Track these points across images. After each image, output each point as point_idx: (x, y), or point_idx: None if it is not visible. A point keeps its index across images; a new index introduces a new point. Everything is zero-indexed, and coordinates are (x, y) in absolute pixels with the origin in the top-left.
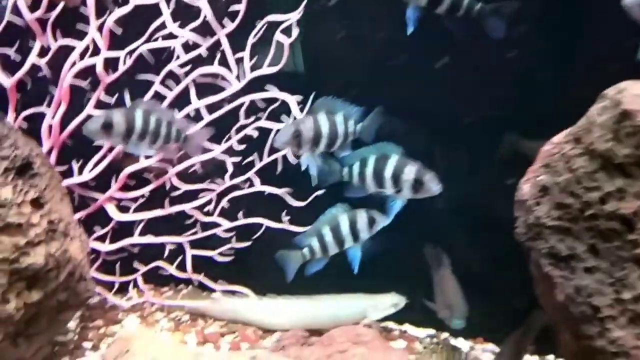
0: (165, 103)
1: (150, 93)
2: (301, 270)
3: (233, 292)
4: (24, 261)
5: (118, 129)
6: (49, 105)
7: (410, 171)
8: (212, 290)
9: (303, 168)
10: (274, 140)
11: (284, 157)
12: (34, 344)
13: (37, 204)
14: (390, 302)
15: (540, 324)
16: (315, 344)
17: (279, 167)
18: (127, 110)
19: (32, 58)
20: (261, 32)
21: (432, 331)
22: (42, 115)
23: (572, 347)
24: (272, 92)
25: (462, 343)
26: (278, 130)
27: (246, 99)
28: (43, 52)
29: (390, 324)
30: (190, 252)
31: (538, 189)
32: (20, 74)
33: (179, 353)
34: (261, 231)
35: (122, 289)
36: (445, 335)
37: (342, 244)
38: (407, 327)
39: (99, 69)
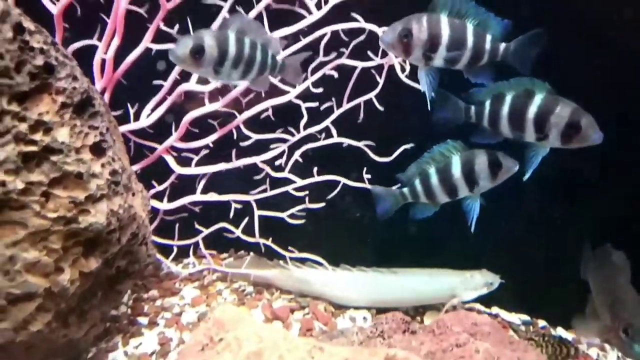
0: None
1: (218, 21)
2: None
3: (303, 261)
4: (83, 221)
5: (210, 55)
6: (100, 37)
7: (563, 112)
8: (281, 258)
9: (422, 87)
10: (380, 39)
11: (368, 102)
12: (86, 322)
13: (98, 149)
14: (483, 280)
15: None
16: (423, 332)
17: (361, 115)
18: (220, 32)
19: None
20: None
21: (526, 317)
22: (93, 49)
23: None
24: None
25: (564, 335)
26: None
27: (327, 31)
28: None
29: (478, 307)
30: (257, 213)
31: None
32: None
33: (290, 346)
34: (337, 190)
35: (180, 255)
36: (542, 322)
37: (455, 192)
38: (498, 311)
39: None
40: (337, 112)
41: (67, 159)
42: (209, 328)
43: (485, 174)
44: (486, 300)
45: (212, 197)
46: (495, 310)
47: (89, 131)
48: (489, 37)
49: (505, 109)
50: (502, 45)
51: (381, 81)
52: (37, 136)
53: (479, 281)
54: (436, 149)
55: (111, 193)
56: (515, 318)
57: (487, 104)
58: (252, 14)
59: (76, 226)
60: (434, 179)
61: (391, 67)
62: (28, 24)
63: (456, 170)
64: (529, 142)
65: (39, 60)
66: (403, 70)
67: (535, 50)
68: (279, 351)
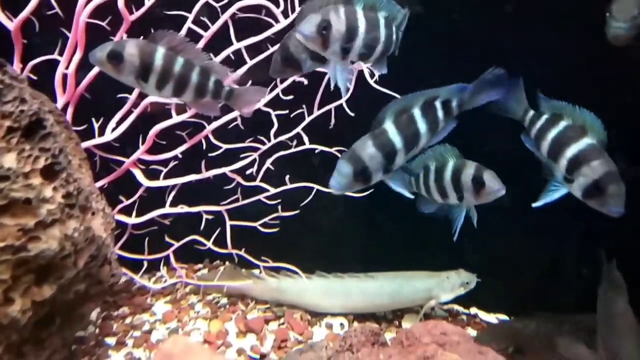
0: (201, 43)
1: (182, 32)
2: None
3: (278, 270)
4: (34, 248)
5: (130, 63)
6: (61, 52)
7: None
8: (255, 268)
9: (332, 83)
10: (298, 31)
11: (339, 108)
12: (45, 350)
13: (49, 172)
14: (460, 280)
15: None
16: (391, 345)
17: (332, 121)
18: (147, 44)
19: None
20: None
21: (504, 317)
22: (54, 64)
23: None
24: None
25: None
26: None
27: None
28: None
29: (456, 307)
30: (229, 224)
31: None
32: (25, 12)
33: None
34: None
35: (151, 269)
36: None
37: (445, 195)
38: (476, 312)
39: (121, 4)
40: (308, 119)
41: (14, 186)
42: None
43: (468, 187)
44: (465, 300)
45: (182, 209)
46: (474, 310)
47: (39, 154)
48: (394, 29)
49: (432, 178)
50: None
51: (351, 87)
52: None
53: (455, 282)
54: (438, 148)
55: (64, 217)
56: (493, 318)
57: (421, 176)
58: (219, 23)
59: (26, 254)
60: (432, 177)
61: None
62: None
63: (447, 175)
64: (555, 177)
65: None
66: (372, 75)
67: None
68: None
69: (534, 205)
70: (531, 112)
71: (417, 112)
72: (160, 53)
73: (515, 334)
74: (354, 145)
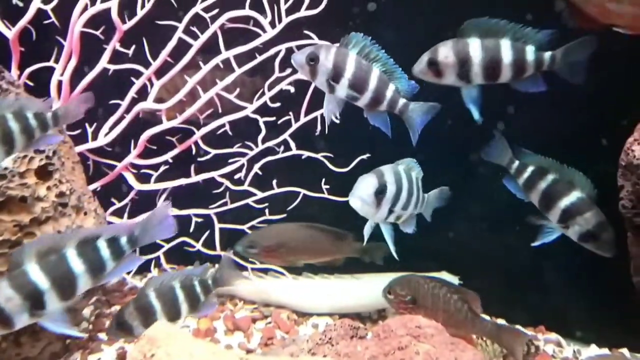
0: (191, 52)
1: (173, 42)
2: None
3: (265, 271)
4: None
5: None
6: (57, 59)
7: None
8: (243, 269)
9: (324, 112)
10: (292, 58)
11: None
12: (41, 341)
13: (44, 173)
14: None
15: None
16: (369, 338)
17: (319, 128)
18: None
19: (37, 3)
20: None
21: (485, 317)
22: (50, 71)
23: None
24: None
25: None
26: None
27: (282, 48)
28: None
29: None
30: (218, 226)
31: None
32: (23, 22)
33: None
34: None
35: (142, 270)
36: (502, 321)
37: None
38: None
39: (114, 14)
40: (295, 126)
41: (11, 184)
42: (142, 345)
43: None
44: None
45: (172, 212)
46: None
47: (34, 155)
48: (391, 87)
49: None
50: (402, 101)
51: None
52: None
53: None
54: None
55: (58, 215)
56: None
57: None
58: (208, 33)
59: None
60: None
61: None
62: None
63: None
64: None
65: None
66: None
67: (428, 117)
68: None
69: (533, 244)
70: (516, 162)
71: (71, 252)
72: None
73: (416, 287)
74: None
